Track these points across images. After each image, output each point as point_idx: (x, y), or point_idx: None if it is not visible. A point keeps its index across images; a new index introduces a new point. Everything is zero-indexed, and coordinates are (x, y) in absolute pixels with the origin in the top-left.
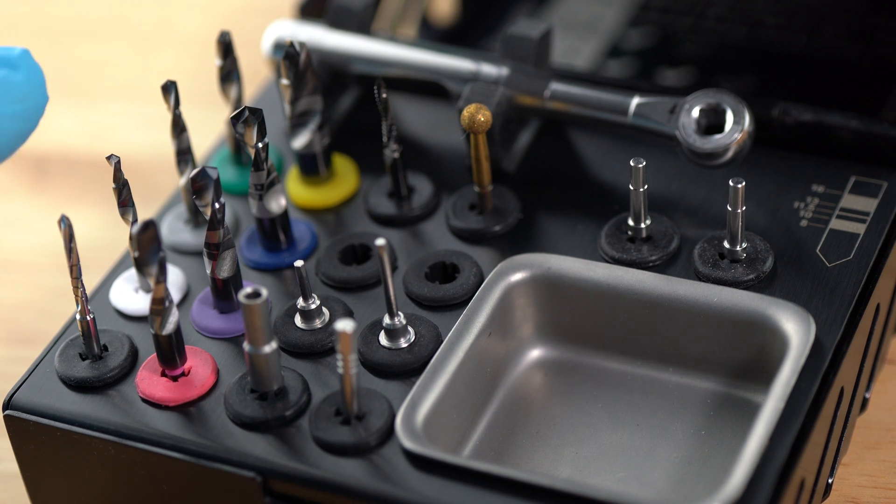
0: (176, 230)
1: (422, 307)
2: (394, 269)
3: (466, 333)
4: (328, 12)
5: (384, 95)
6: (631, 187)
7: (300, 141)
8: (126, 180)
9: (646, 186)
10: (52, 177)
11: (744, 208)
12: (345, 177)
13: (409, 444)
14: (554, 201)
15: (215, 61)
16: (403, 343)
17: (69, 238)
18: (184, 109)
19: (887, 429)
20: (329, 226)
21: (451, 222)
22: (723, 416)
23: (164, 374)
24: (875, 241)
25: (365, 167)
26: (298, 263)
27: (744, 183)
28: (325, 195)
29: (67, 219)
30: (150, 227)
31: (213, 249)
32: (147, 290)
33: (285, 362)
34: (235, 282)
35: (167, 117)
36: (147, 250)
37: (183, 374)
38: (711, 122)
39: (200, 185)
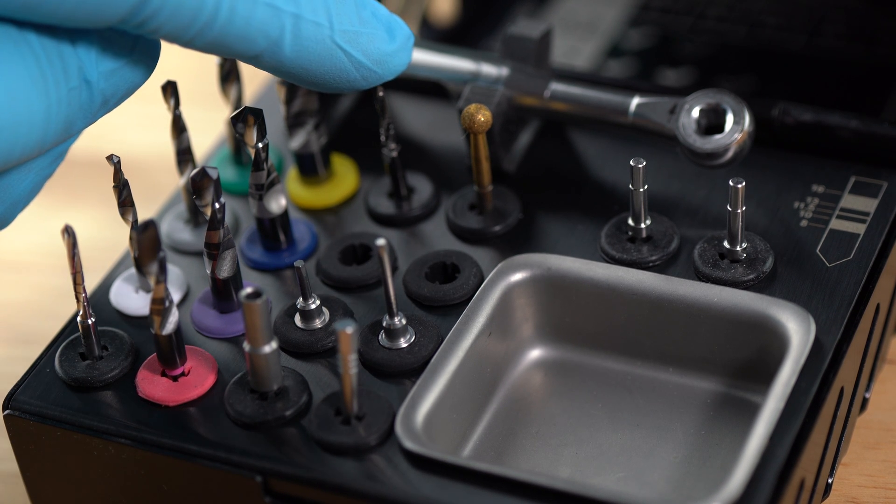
0: (176, 230)
1: (422, 307)
2: (394, 269)
3: (466, 333)
4: None
5: (381, 95)
6: (631, 187)
7: (297, 141)
8: (126, 180)
9: (646, 186)
10: (52, 177)
11: (744, 208)
12: (344, 177)
13: (409, 444)
14: (554, 201)
15: (215, 61)
16: (403, 343)
17: (73, 246)
18: (184, 109)
19: (887, 429)
20: (329, 226)
21: (451, 222)
22: (723, 416)
23: (164, 374)
24: (875, 241)
25: (365, 167)
26: (298, 263)
27: (744, 183)
28: (325, 195)
29: (71, 228)
30: (150, 227)
31: (213, 249)
32: (147, 290)
33: (285, 362)
34: (235, 282)
35: (167, 117)
36: (147, 250)
37: (183, 374)
38: (711, 122)
39: (200, 185)
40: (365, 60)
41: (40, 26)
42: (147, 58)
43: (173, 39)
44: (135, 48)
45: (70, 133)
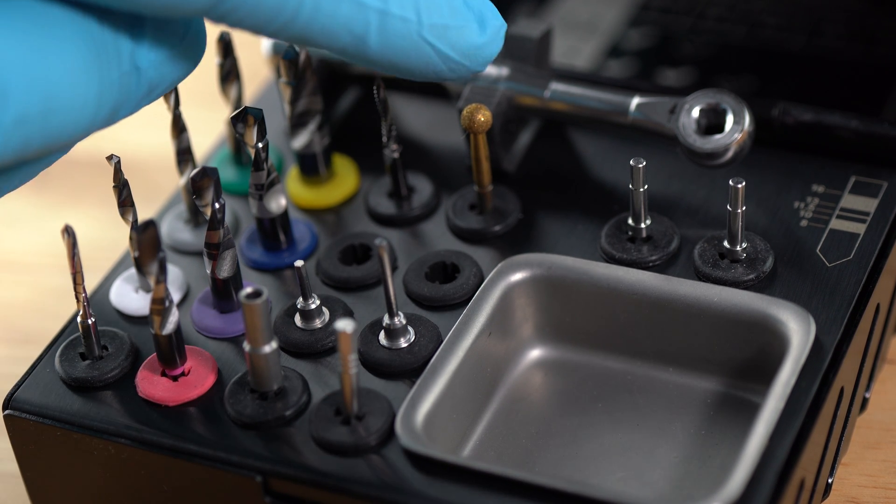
0: (176, 230)
1: (422, 307)
2: (394, 269)
3: (466, 333)
4: None
5: (383, 95)
6: (631, 187)
7: (300, 141)
8: (126, 180)
9: (646, 186)
10: (52, 177)
11: (744, 208)
12: (345, 177)
13: (409, 444)
14: (554, 201)
15: (215, 61)
16: (403, 343)
17: (72, 246)
18: (184, 109)
19: (887, 429)
20: (329, 226)
21: (451, 222)
22: (723, 416)
23: (164, 374)
24: (875, 241)
25: (365, 167)
26: (298, 263)
27: (744, 183)
28: (325, 195)
29: (71, 228)
30: (150, 227)
31: (213, 249)
32: (147, 290)
33: (285, 362)
34: (235, 282)
35: (167, 117)
36: (147, 250)
37: (183, 374)
38: (711, 122)
39: (200, 185)
40: (453, 54)
41: (99, 8)
42: (193, 53)
43: (257, 32)
44: (184, 39)
45: (114, 120)
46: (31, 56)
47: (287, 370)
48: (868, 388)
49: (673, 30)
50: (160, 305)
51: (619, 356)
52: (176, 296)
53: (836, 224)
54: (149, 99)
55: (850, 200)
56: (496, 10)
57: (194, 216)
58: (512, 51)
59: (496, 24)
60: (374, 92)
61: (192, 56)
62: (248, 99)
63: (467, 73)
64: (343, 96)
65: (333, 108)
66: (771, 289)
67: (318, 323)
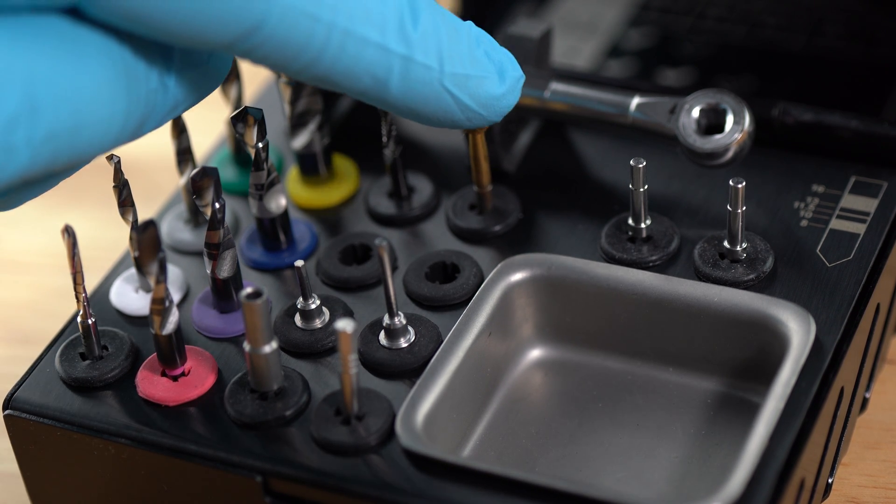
0: (176, 230)
1: (422, 307)
2: (394, 269)
3: (466, 333)
4: None
5: None
6: (631, 187)
7: (300, 141)
8: (126, 180)
9: (646, 186)
10: None
11: (744, 208)
12: (345, 177)
13: (409, 444)
14: (554, 201)
15: None
16: (403, 343)
17: (73, 246)
18: None
19: (887, 429)
20: (329, 226)
21: (451, 222)
22: (723, 416)
23: (164, 374)
24: (875, 241)
25: (365, 167)
26: (298, 263)
27: (744, 183)
28: (325, 195)
29: (71, 228)
30: (150, 227)
31: (213, 249)
32: (147, 290)
33: (285, 362)
34: (235, 282)
35: None
36: (147, 250)
37: (183, 374)
38: (711, 122)
39: (200, 185)
40: (471, 104)
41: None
42: (219, 70)
43: (280, 69)
44: (211, 57)
45: (139, 134)
46: (60, 73)
47: (287, 370)
48: (868, 388)
49: (673, 30)
50: (160, 305)
51: (619, 356)
52: (176, 296)
53: (836, 224)
54: (174, 113)
55: (850, 200)
56: (515, 61)
57: (194, 216)
58: (512, 51)
59: (515, 76)
60: None
61: (218, 73)
62: (248, 99)
63: (484, 123)
64: (343, 96)
65: (333, 108)
66: (771, 289)
67: (318, 323)
